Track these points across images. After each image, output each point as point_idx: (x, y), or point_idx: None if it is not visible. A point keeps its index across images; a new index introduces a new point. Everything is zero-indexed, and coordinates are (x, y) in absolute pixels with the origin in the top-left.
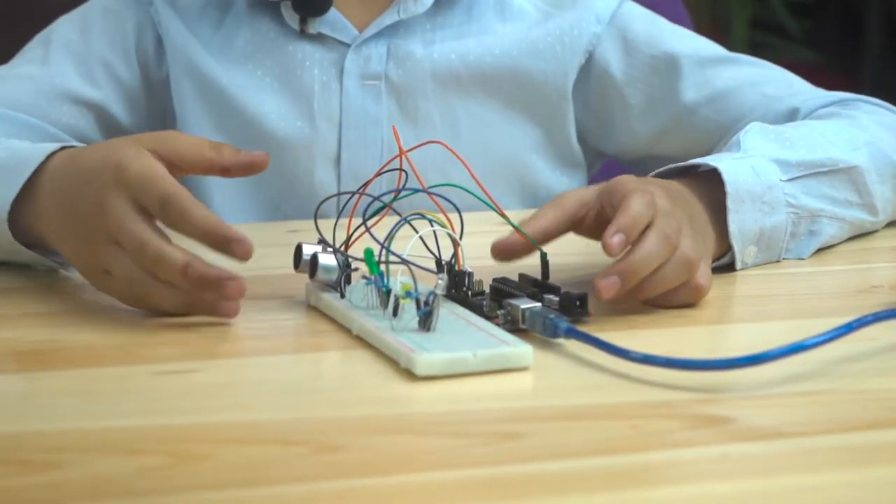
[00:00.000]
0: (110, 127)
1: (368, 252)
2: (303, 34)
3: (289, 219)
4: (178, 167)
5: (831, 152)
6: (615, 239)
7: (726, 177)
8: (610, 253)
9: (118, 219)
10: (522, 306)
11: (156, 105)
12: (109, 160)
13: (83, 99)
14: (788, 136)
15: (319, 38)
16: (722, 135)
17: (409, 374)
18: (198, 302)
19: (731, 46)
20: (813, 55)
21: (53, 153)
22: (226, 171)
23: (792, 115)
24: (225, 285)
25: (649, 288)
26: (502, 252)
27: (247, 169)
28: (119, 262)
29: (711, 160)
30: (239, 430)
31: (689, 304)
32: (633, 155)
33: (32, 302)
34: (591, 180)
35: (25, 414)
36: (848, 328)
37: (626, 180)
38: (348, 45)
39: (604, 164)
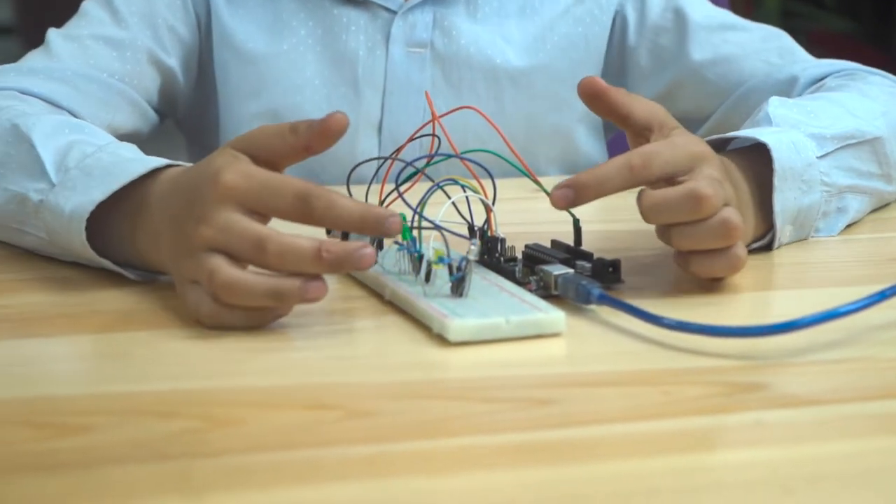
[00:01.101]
0: (173, 95)
1: (401, 217)
2: (350, 1)
3: (328, 185)
4: (271, 163)
5: (856, 123)
6: (558, 192)
7: (775, 153)
8: (552, 202)
9: (225, 222)
10: (555, 272)
11: (201, 75)
12: (206, 173)
13: (162, 65)
14: (811, 109)
15: (365, 5)
16: (721, 100)
17: (442, 340)
18: (285, 296)
19: (762, 14)
20: (845, 24)
21: (158, 169)
22: (308, 149)
23: (791, 83)
24: (362, 256)
25: (680, 239)
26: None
27: (323, 137)
28: (206, 270)
29: (756, 133)
30: (272, 395)
31: (724, 276)
32: None
33: (68, 266)
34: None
35: (60, 378)
36: (882, 296)
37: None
38: (394, 13)
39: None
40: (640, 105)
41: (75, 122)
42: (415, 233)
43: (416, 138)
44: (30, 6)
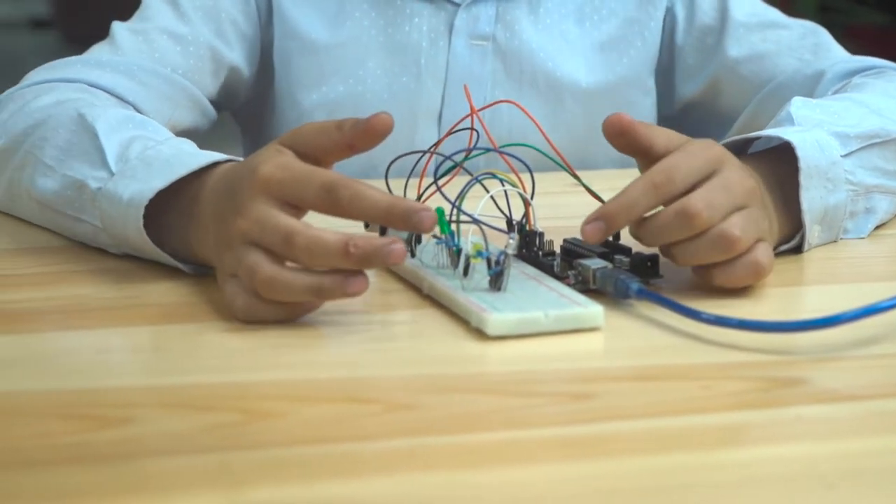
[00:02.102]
0: (235, 89)
1: (439, 211)
2: None
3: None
4: (316, 159)
5: (882, 122)
6: (590, 226)
7: (800, 152)
8: (584, 237)
9: (259, 214)
10: (593, 266)
11: (261, 66)
12: (248, 166)
13: (224, 61)
14: (835, 109)
15: None
16: (753, 94)
17: (480, 334)
18: (323, 290)
19: (799, 9)
20: (883, 18)
21: (216, 164)
22: (351, 147)
23: (817, 78)
24: (391, 252)
25: (682, 257)
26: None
27: (367, 136)
28: (247, 266)
29: (780, 132)
30: (310, 388)
31: (749, 285)
32: (670, 111)
33: (108, 259)
34: None
35: (101, 370)
36: None
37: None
38: (457, 5)
39: None
40: (660, 134)
41: (139, 118)
42: (453, 226)
43: (454, 132)
44: (66, 1)
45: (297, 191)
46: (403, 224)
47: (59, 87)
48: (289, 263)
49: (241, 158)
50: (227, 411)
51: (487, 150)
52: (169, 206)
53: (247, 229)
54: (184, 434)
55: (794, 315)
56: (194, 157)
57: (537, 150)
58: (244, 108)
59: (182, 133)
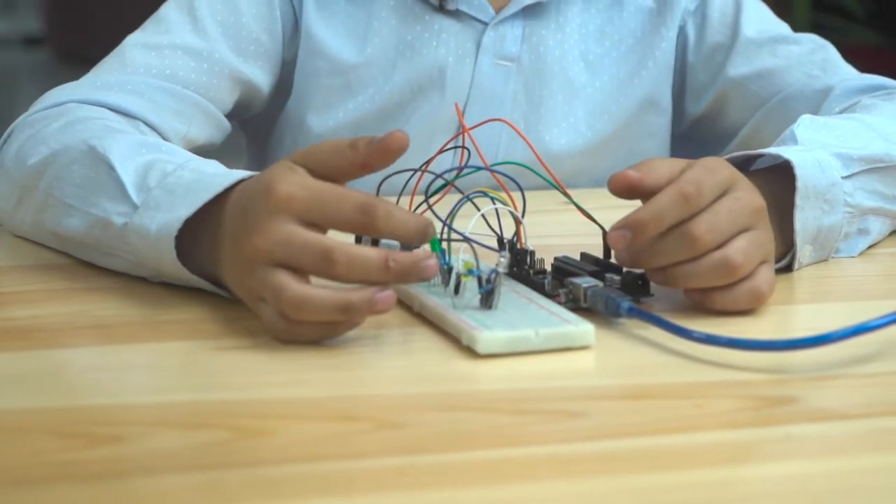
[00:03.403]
0: (248, 104)
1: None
2: (441, 9)
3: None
4: (329, 178)
5: (887, 147)
6: (616, 234)
7: (798, 171)
8: (610, 244)
9: (282, 234)
10: (584, 285)
11: (279, 83)
12: (260, 184)
13: (241, 77)
14: (841, 131)
15: (456, 15)
16: (759, 108)
17: (471, 352)
18: (352, 311)
19: (792, 27)
20: (876, 37)
21: (238, 182)
22: (365, 166)
23: (825, 93)
24: (427, 267)
25: (680, 279)
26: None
27: (382, 155)
28: (272, 287)
29: (781, 151)
30: (301, 406)
31: (747, 311)
32: (680, 129)
33: (98, 276)
34: None
35: (90, 388)
36: None
37: (709, 171)
38: (484, 24)
39: None
40: (662, 171)
41: (152, 142)
42: (444, 245)
43: (445, 150)
44: (58, 18)
45: (326, 210)
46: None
47: (67, 111)
48: (315, 281)
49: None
50: (217, 429)
51: (478, 168)
52: (198, 231)
53: (268, 249)
54: (174, 452)
55: (786, 333)
56: (215, 178)
57: (528, 168)
58: (253, 121)
59: (198, 149)
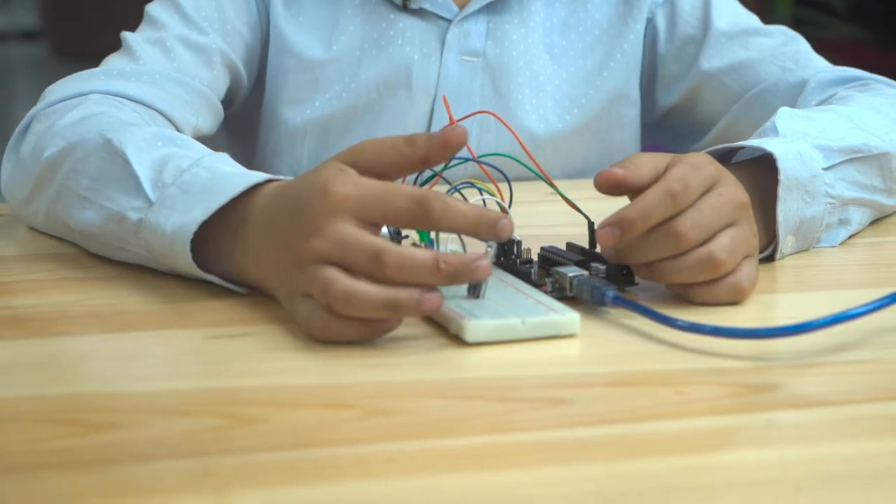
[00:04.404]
0: (234, 97)
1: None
2: (405, 8)
3: None
4: (381, 175)
5: (865, 138)
6: (604, 231)
7: (781, 163)
8: (598, 241)
9: (340, 235)
10: (570, 274)
11: (258, 79)
12: (313, 185)
13: (233, 68)
14: (820, 123)
15: (420, 13)
16: (734, 102)
17: (459, 341)
18: (398, 307)
19: (773, 21)
20: (856, 31)
21: (259, 185)
22: (425, 160)
23: (800, 87)
24: (478, 268)
25: (665, 274)
26: (608, 184)
27: (443, 149)
28: (321, 281)
29: (763, 143)
30: (292, 394)
31: (730, 304)
32: (651, 119)
33: (91, 266)
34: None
35: (84, 376)
36: (892, 299)
37: (694, 165)
38: (448, 21)
39: None
40: (648, 167)
41: (168, 134)
42: (432, 235)
43: None
44: (54, 12)
45: (381, 206)
46: (489, 233)
47: (84, 101)
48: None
49: (284, 177)
50: (210, 416)
51: (466, 159)
52: (214, 229)
53: (324, 250)
54: (167, 439)
55: (768, 322)
56: (234, 178)
57: (515, 159)
58: (235, 116)
59: (201, 137)
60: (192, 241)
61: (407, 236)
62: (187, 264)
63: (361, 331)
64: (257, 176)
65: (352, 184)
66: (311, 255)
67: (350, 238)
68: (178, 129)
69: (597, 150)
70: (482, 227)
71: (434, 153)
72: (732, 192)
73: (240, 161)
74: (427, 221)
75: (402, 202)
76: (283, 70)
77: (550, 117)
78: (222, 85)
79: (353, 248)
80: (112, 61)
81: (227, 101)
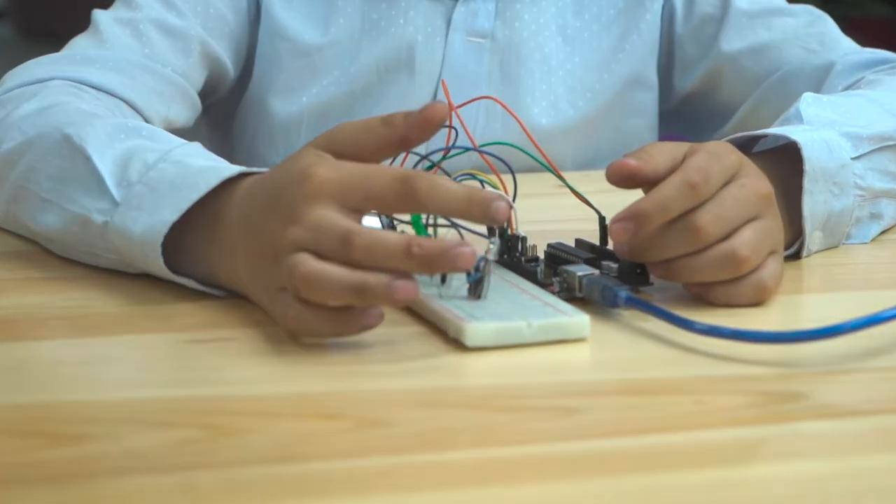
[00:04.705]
0: (216, 86)
1: (415, 217)
2: None
3: None
4: (360, 159)
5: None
6: (617, 226)
7: (806, 152)
8: (611, 237)
9: (316, 220)
10: (579, 273)
11: (245, 67)
12: (292, 172)
13: (212, 56)
14: (847, 108)
15: None
16: (756, 86)
17: (458, 345)
18: (368, 296)
19: (799, 0)
20: (888, 11)
21: (234, 179)
22: (405, 140)
23: (827, 69)
24: (459, 255)
25: (683, 273)
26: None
27: (423, 127)
28: (288, 266)
29: (787, 132)
30: (277, 403)
31: (753, 305)
32: (669, 105)
33: (58, 265)
34: None
35: (52, 383)
36: None
37: (715, 153)
38: (455, 0)
39: None
40: (664, 157)
41: (132, 125)
42: (430, 230)
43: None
44: None
45: (364, 187)
46: (482, 215)
47: (43, 89)
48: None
49: (259, 169)
50: (190, 427)
51: (466, 149)
52: (187, 228)
53: (299, 237)
54: (141, 452)
55: (793, 325)
56: (203, 174)
57: (520, 149)
58: (215, 106)
59: (175, 130)
60: (164, 243)
61: (402, 232)
62: (159, 268)
63: (335, 323)
64: (230, 169)
65: (332, 167)
66: (288, 244)
67: (325, 222)
68: (146, 121)
69: (610, 139)
70: (474, 208)
71: (413, 132)
72: (755, 182)
73: (222, 154)
74: (413, 202)
75: (385, 182)
76: (275, 56)
77: (561, 104)
78: (199, 74)
79: (325, 232)
80: (77, 44)
81: (208, 92)
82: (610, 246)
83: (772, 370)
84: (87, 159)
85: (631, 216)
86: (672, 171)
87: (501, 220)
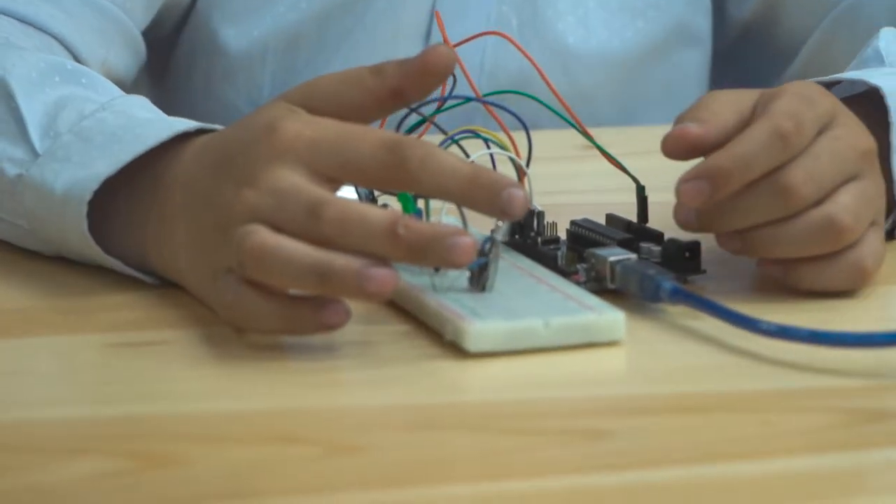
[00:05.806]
0: (163, 24)
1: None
2: None
3: None
4: (342, 118)
5: None
6: (688, 185)
7: (890, 100)
8: (681, 199)
9: (277, 183)
10: (611, 258)
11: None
12: (253, 127)
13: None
14: None
15: None
16: (825, 14)
17: (457, 350)
18: (333, 287)
19: None
20: None
21: (187, 136)
22: (398, 94)
23: None
24: (454, 246)
25: (767, 245)
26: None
27: (421, 76)
28: (237, 237)
29: (865, 75)
30: (227, 424)
31: (847, 290)
32: (724, 42)
33: None
34: None
35: None
36: None
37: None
38: None
39: None
40: (727, 114)
41: (70, 67)
42: (420, 204)
43: None
44: None
45: (341, 151)
46: (488, 203)
47: None
48: None
49: (219, 126)
50: (113, 456)
51: (468, 99)
52: (122, 193)
53: (256, 202)
54: (55, 487)
55: (888, 324)
56: (150, 126)
57: (536, 99)
58: (157, 50)
59: (115, 82)
60: (90, 210)
61: (385, 205)
62: (80, 237)
63: (284, 315)
64: (184, 123)
65: (304, 122)
66: (240, 211)
67: (289, 187)
68: (81, 64)
69: (661, 80)
70: (479, 192)
71: (410, 84)
72: (853, 134)
73: (165, 110)
74: (401, 175)
75: (369, 147)
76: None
77: (592, 20)
78: (142, 12)
79: (288, 198)
80: None
81: (152, 30)
82: (651, 223)
83: (860, 381)
84: (11, 97)
85: (705, 174)
86: (741, 127)
87: (513, 213)
